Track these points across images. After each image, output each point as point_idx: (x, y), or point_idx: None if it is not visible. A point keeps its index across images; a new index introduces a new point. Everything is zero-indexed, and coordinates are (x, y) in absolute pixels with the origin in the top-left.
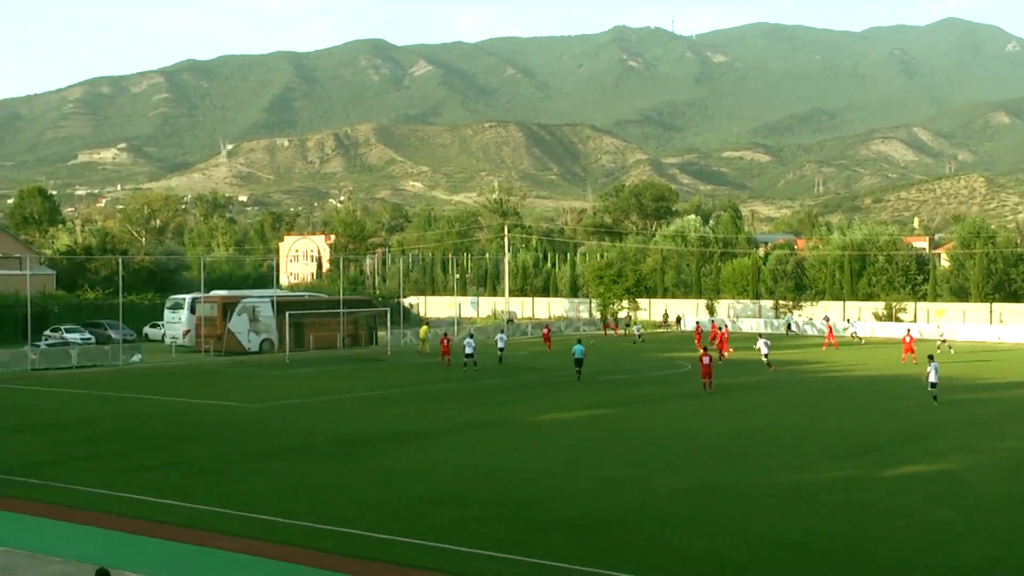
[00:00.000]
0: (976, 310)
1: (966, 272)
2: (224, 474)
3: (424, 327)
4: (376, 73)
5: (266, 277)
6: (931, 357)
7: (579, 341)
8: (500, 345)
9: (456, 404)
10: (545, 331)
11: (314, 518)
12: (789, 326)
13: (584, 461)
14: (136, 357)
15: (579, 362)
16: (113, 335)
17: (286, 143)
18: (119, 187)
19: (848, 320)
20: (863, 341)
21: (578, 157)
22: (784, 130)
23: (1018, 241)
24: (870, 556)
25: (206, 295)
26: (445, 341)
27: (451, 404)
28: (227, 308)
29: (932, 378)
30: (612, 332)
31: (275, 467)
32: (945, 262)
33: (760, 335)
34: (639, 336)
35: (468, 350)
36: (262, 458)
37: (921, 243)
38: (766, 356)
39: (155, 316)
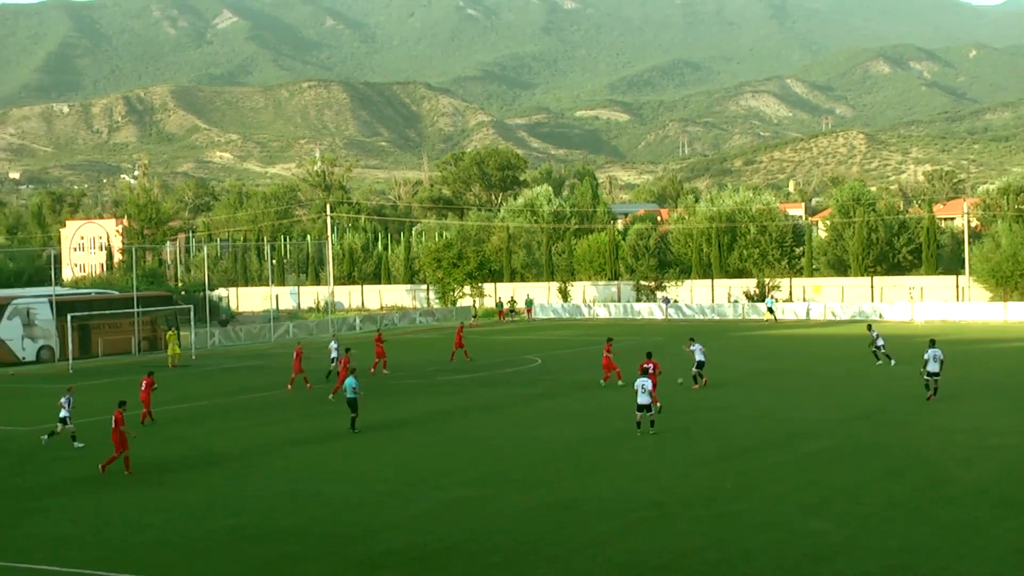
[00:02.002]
0: (856, 284)
1: (844, 243)
2: None
3: (171, 333)
4: (173, 25)
5: (45, 271)
6: (933, 342)
7: (352, 372)
8: (333, 355)
9: (274, 417)
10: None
11: (107, 565)
12: (667, 300)
13: (419, 480)
14: None
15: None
16: None
17: (66, 109)
18: None
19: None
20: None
21: (412, 120)
22: (644, 85)
23: (900, 206)
24: None
25: None
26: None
27: (268, 417)
28: None
29: (932, 367)
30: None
31: (57, 504)
32: (823, 232)
33: (692, 338)
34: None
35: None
36: (41, 494)
37: (797, 210)
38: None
39: None
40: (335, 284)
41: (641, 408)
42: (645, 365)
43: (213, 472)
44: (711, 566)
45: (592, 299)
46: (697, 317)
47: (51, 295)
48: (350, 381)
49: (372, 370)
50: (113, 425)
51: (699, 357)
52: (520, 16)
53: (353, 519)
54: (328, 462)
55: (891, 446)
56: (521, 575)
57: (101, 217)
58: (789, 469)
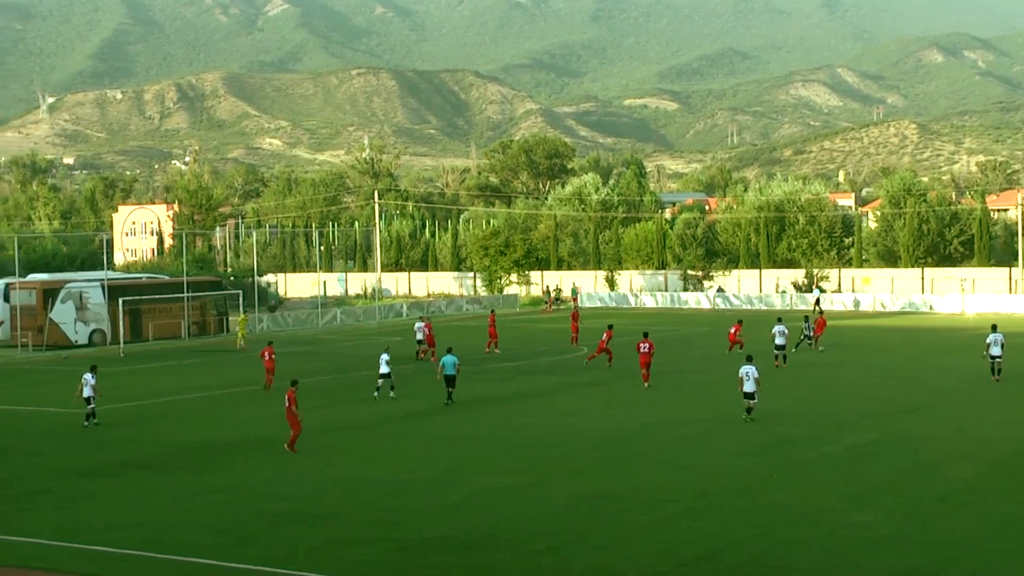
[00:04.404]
0: (906, 276)
1: (895, 234)
2: (43, 497)
3: (243, 317)
4: (224, 13)
5: (97, 256)
6: (779, 319)
7: (449, 350)
8: (419, 336)
9: (321, 401)
10: (573, 313)
11: (154, 547)
12: (719, 291)
13: (463, 467)
14: None
15: (451, 380)
16: None
17: (119, 95)
18: None
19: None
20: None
21: (460, 108)
22: (693, 74)
23: (952, 197)
24: (783, 568)
25: (23, 280)
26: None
27: (315, 401)
28: (49, 295)
29: (994, 350)
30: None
31: (107, 486)
32: (872, 223)
33: (780, 318)
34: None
35: (419, 336)
36: (91, 475)
37: (847, 200)
38: (781, 349)
39: None
40: (382, 271)
41: (747, 396)
42: (641, 344)
43: (260, 456)
44: (755, 557)
45: (639, 288)
46: (745, 307)
47: (103, 279)
48: (451, 358)
49: (496, 350)
50: (287, 404)
51: (779, 340)
52: (569, 4)
53: (399, 504)
54: (374, 447)
55: (938, 439)
56: (565, 563)
57: (152, 203)
58: (834, 461)
